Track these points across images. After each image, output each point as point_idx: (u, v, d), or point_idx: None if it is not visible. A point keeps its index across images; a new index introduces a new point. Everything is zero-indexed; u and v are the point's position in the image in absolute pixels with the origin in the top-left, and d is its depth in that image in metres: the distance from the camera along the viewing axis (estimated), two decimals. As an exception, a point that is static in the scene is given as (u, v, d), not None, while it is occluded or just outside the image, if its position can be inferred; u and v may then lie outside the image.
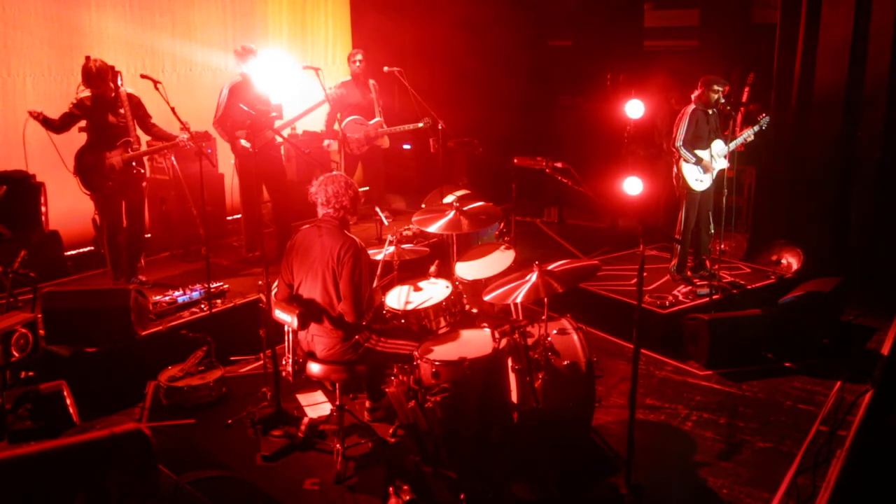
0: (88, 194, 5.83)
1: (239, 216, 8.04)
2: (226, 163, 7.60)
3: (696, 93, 6.21)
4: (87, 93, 5.66)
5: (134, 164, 5.82)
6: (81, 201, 6.27)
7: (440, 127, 7.03)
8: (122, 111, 5.73)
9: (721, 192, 6.22)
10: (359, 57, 7.55)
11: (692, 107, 6.21)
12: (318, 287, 4.16)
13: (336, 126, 7.43)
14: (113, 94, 5.71)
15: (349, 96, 7.45)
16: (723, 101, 6.18)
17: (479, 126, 8.48)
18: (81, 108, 5.66)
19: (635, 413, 3.89)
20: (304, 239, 4.27)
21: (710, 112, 6.24)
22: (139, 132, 5.88)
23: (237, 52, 6.51)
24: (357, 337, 4.19)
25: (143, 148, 5.97)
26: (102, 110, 5.70)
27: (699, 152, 6.19)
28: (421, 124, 7.40)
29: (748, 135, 6.30)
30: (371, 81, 7.55)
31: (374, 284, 4.75)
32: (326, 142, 7.59)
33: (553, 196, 9.01)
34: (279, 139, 6.66)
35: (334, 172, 4.36)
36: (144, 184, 6.02)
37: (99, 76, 5.59)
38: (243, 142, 6.38)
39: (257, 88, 6.51)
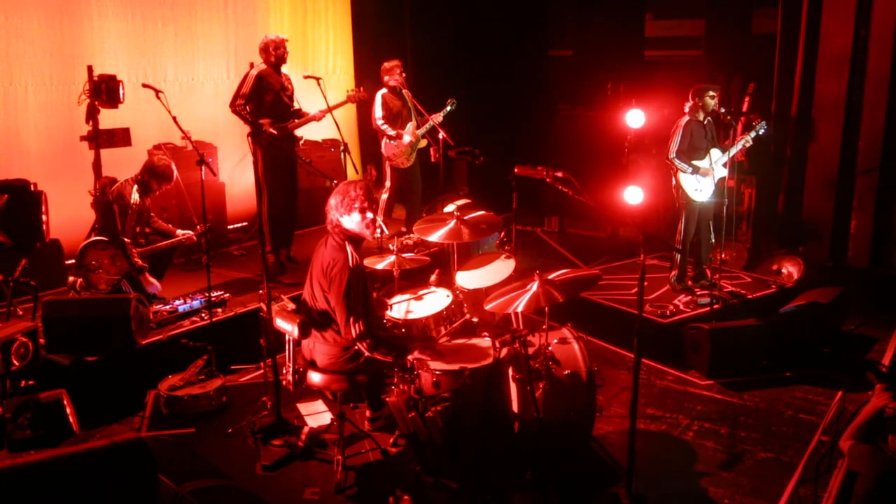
0: None
1: (240, 224, 8.07)
2: (227, 171, 7.62)
3: (690, 103, 6.17)
4: None
5: None
6: (82, 210, 6.28)
7: (441, 136, 7.05)
8: None
9: (721, 202, 6.21)
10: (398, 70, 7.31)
11: (685, 118, 6.16)
12: (318, 297, 4.17)
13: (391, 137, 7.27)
14: None
15: (393, 108, 7.29)
16: (722, 110, 6.16)
17: (480, 135, 8.50)
18: None
19: (636, 423, 3.88)
20: (318, 249, 4.30)
21: (706, 121, 6.22)
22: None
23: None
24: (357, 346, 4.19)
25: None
26: None
27: (696, 161, 6.16)
28: (449, 108, 7.21)
29: (746, 140, 6.27)
30: (404, 91, 7.35)
31: (374, 296, 4.74)
32: (395, 141, 7.32)
33: (554, 205, 9.02)
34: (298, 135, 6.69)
35: (335, 182, 4.37)
36: None
37: None
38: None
39: (281, 76, 6.60)
